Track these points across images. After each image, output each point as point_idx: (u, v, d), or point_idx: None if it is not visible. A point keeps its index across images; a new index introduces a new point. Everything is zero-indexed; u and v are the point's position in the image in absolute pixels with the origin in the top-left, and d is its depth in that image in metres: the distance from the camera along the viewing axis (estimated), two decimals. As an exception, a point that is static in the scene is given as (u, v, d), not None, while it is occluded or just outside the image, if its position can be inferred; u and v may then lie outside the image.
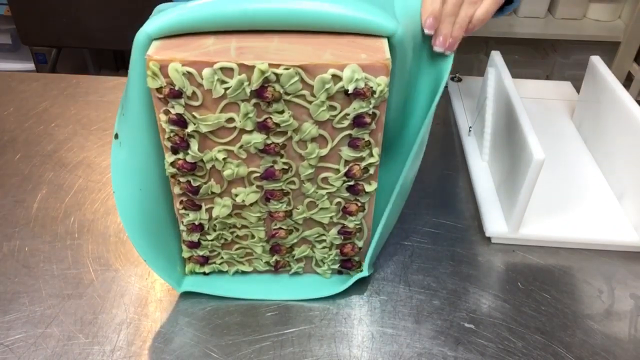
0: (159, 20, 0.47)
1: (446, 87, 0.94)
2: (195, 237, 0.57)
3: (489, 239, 0.66)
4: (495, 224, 0.66)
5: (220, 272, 0.61)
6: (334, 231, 0.57)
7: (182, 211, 0.55)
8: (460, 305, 0.58)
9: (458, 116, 0.86)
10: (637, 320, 0.58)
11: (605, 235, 0.66)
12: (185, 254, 0.59)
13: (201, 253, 0.58)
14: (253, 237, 0.57)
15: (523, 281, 0.61)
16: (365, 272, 0.58)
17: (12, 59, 1.84)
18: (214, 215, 0.54)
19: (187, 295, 0.58)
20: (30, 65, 1.76)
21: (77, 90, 0.91)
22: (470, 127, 0.82)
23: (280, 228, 0.56)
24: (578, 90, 0.87)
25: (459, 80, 0.94)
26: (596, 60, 0.79)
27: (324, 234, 0.57)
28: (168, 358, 0.53)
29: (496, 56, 0.77)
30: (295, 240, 0.58)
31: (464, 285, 0.60)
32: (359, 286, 0.60)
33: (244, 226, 0.56)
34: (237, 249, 0.59)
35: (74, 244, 0.64)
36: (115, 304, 0.57)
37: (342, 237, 0.57)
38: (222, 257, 0.59)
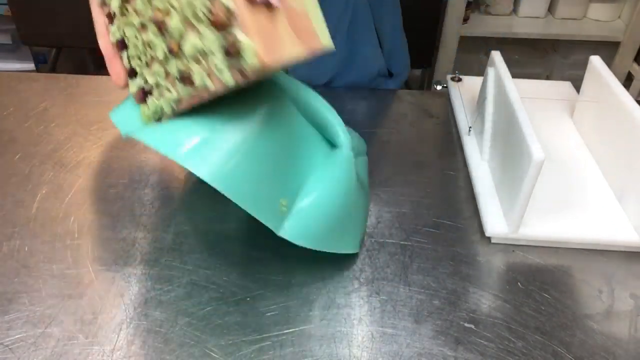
0: None
1: (446, 87, 0.94)
2: (125, 57, 0.56)
3: (488, 238, 0.66)
4: (495, 223, 0.66)
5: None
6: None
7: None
8: (460, 305, 0.58)
9: (458, 116, 0.86)
10: (637, 320, 0.58)
11: (605, 235, 0.66)
12: (132, 89, 0.57)
13: (139, 82, 0.56)
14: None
15: (523, 281, 0.61)
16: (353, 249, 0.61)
17: (12, 59, 1.84)
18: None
19: (187, 295, 0.58)
20: (30, 65, 1.76)
21: (77, 90, 0.91)
22: (470, 127, 0.82)
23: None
24: (578, 90, 0.87)
25: (459, 80, 0.94)
26: (596, 60, 0.79)
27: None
28: (168, 358, 0.53)
29: (496, 56, 0.77)
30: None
31: (463, 285, 0.61)
32: (359, 286, 0.60)
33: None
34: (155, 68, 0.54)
35: (74, 244, 0.64)
36: (115, 303, 0.57)
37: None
38: (150, 85, 0.55)
